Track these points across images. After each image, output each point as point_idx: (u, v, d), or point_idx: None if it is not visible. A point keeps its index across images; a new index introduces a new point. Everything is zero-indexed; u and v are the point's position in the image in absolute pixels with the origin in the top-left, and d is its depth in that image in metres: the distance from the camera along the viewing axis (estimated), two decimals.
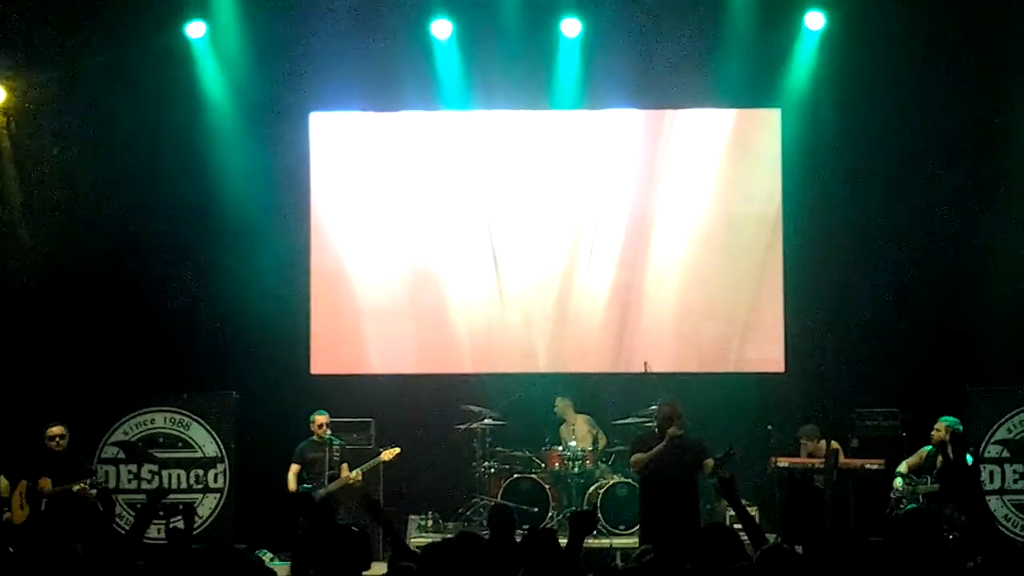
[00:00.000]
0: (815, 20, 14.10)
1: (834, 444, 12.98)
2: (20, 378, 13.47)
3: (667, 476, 11.13)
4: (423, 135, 14.73)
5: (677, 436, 11.11)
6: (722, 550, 6.80)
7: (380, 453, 13.03)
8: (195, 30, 14.22)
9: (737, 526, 11.88)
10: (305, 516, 11.94)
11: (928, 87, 14.00)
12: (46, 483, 11.82)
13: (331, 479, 12.68)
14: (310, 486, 12.71)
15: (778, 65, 14.37)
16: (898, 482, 11.99)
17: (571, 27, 14.23)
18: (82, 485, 11.90)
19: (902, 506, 11.87)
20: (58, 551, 6.53)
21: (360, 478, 12.77)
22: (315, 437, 12.82)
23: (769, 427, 13.52)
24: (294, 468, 12.80)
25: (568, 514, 12.86)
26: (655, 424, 13.07)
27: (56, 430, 11.99)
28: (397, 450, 12.91)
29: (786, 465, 12.97)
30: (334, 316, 14.57)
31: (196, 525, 13.29)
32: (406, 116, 14.75)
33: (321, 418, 12.86)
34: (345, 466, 12.76)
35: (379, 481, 13.30)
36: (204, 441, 13.63)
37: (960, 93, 13.97)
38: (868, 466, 12.81)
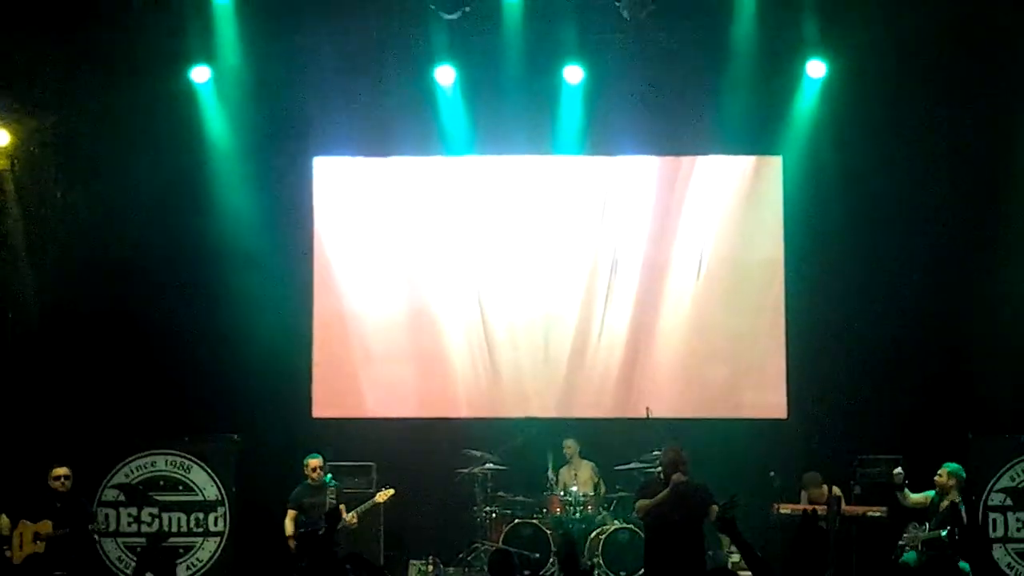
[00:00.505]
0: (816, 68, 14.19)
1: (836, 490, 12.97)
2: (23, 419, 13.44)
3: (672, 522, 11.09)
4: (426, 180, 14.79)
5: (682, 482, 11.07)
6: None
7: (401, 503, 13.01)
8: (200, 74, 14.27)
9: (743, 573, 11.97)
10: (309, 556, 11.86)
11: (928, 133, 14.10)
12: (46, 526, 11.76)
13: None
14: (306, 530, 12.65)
15: (779, 112, 14.46)
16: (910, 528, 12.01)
17: (573, 74, 14.30)
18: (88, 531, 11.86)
19: (905, 552, 11.86)
20: None
21: (355, 521, 12.73)
22: (310, 481, 12.78)
23: (771, 473, 13.44)
24: (291, 514, 12.76)
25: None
26: (658, 470, 13.08)
27: (61, 471, 11.96)
28: (391, 491, 12.88)
29: (788, 512, 12.92)
30: (336, 359, 14.57)
31: (197, 569, 13.30)
32: (409, 161, 14.82)
33: (314, 462, 12.83)
34: (343, 507, 12.70)
35: (380, 525, 13.26)
36: (205, 484, 13.57)
37: (960, 139, 14.07)
38: (870, 513, 12.76)
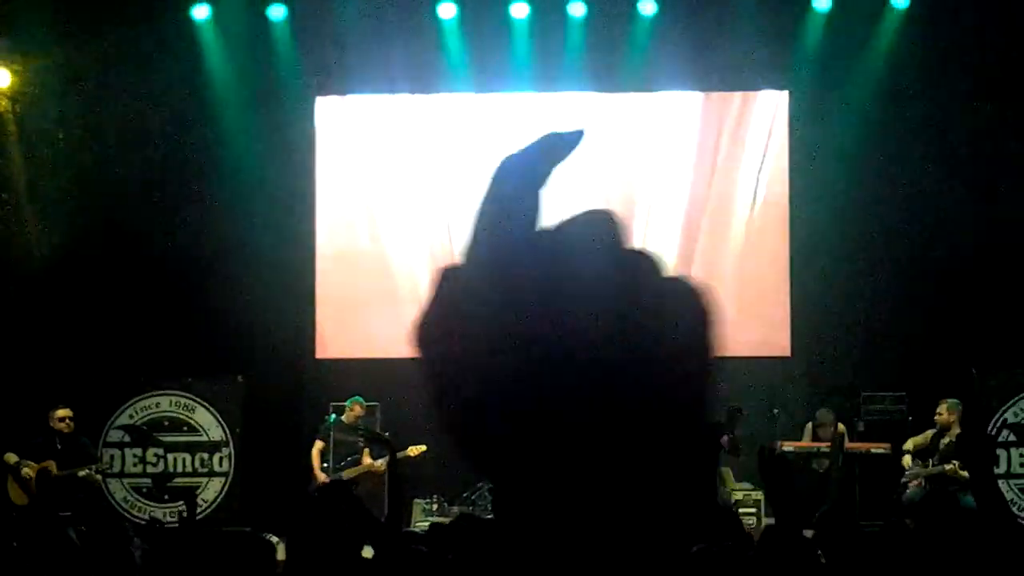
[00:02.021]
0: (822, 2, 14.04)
1: (840, 427, 13.00)
2: (26, 361, 13.45)
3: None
4: (431, 118, 14.72)
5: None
6: (724, 532, 6.77)
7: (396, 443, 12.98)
8: (200, 12, 14.17)
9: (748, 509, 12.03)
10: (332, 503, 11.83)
11: (941, 71, 13.91)
12: (51, 466, 11.82)
13: (352, 463, 12.61)
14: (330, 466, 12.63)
15: (785, 46, 14.30)
16: (907, 460, 11.97)
17: (577, 9, 14.17)
18: (87, 470, 11.90)
19: (908, 489, 11.86)
20: (54, 536, 6.52)
21: (383, 468, 12.73)
22: (345, 419, 12.76)
23: (775, 411, 13.51)
24: (318, 445, 12.76)
25: None
26: None
27: (63, 412, 11.98)
28: (423, 448, 12.78)
29: (792, 449, 12.95)
30: (340, 299, 14.56)
31: (201, 508, 13.35)
32: (412, 99, 14.72)
33: (358, 407, 12.80)
34: (367, 451, 12.71)
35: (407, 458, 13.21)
36: (209, 425, 13.62)
37: (968, 76, 13.88)
38: (874, 450, 12.81)
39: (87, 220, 13.87)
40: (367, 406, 13.42)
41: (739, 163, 14.57)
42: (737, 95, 14.63)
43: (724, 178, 14.55)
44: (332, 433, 12.75)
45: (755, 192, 14.56)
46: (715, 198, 14.54)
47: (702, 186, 14.54)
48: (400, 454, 12.27)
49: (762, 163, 14.58)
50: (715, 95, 14.62)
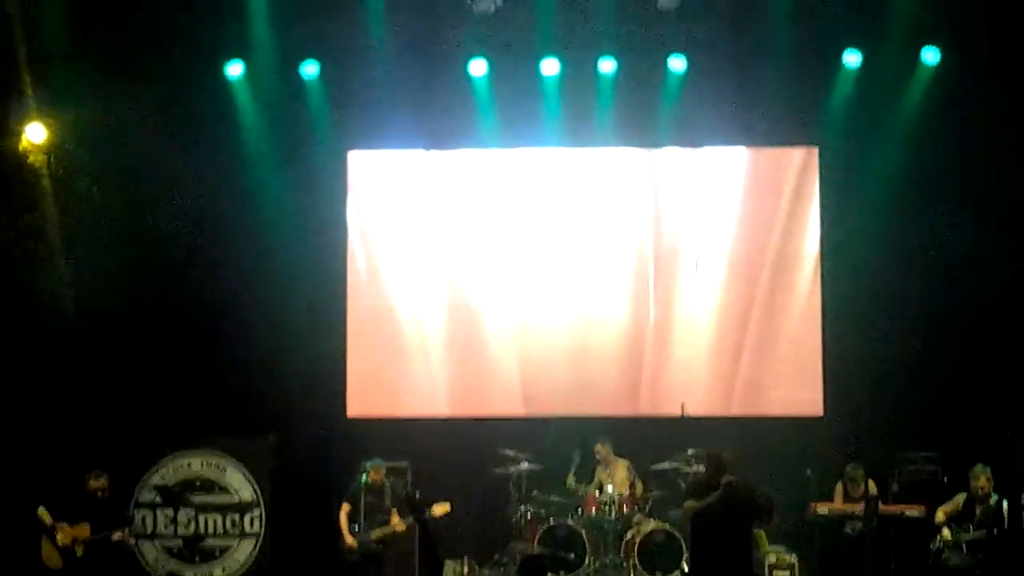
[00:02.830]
0: (852, 59, 14.01)
1: (872, 485, 12.91)
2: (59, 418, 13.49)
3: (720, 524, 10.96)
4: (462, 174, 14.76)
5: (732, 483, 10.95)
6: None
7: (423, 502, 13.01)
8: (234, 69, 14.24)
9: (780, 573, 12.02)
10: None
11: (970, 127, 13.85)
12: (84, 530, 11.84)
13: (380, 523, 12.61)
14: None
15: (815, 103, 14.28)
16: (946, 532, 11.86)
17: (608, 65, 14.18)
18: (121, 533, 11.92)
19: (944, 556, 11.76)
20: None
21: (405, 529, 12.71)
22: (370, 481, 12.77)
23: (808, 472, 13.42)
24: (345, 507, 12.72)
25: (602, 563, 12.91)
26: (693, 469, 13.05)
27: (99, 483, 11.99)
28: (447, 507, 12.74)
29: (826, 512, 12.88)
30: (371, 358, 14.57)
31: (234, 570, 13.37)
32: (444, 155, 14.77)
33: (379, 470, 12.79)
34: (395, 511, 12.69)
35: (416, 524, 13.20)
36: (240, 485, 13.61)
37: (997, 132, 13.82)
38: (909, 513, 12.70)
39: (121, 276, 13.87)
40: (399, 467, 13.39)
41: (770, 219, 14.54)
42: (767, 151, 14.59)
43: (755, 234, 14.52)
44: (361, 495, 12.72)
45: (786, 248, 14.51)
46: (747, 254, 14.51)
47: (733, 242, 14.51)
48: (422, 514, 12.32)
49: (793, 219, 14.53)
50: (746, 150, 14.59)
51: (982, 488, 11.92)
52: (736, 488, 11.01)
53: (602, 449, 13.77)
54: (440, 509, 12.71)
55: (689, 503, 11.33)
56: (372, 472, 12.74)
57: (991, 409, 13.53)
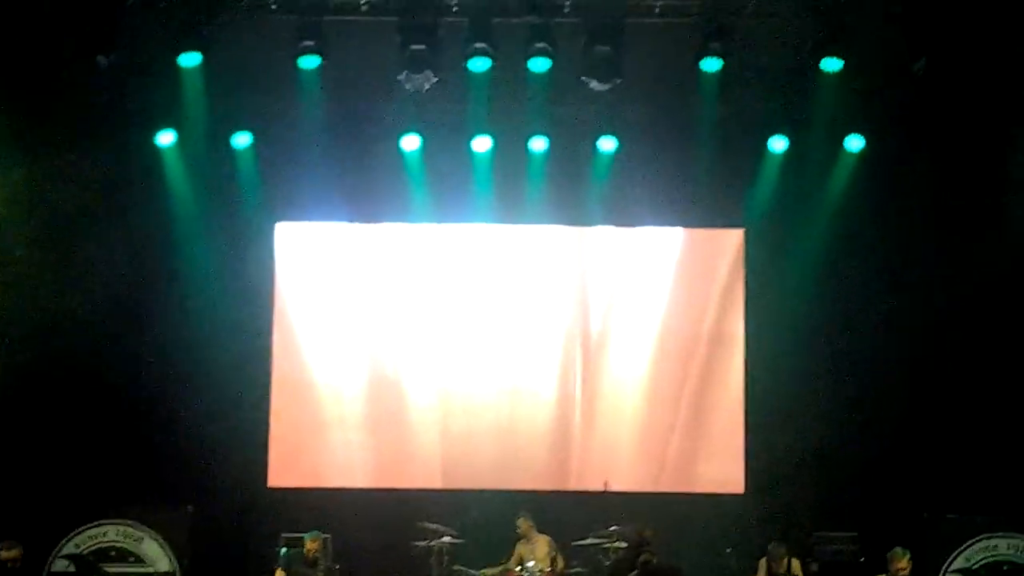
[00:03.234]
0: (778, 143, 14.25)
1: (796, 565, 12.94)
2: None
3: None
4: (389, 247, 14.80)
5: (648, 562, 10.78)
6: None
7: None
8: (165, 138, 14.23)
9: None
10: None
11: (894, 210, 14.12)
12: None
13: None
14: None
15: (742, 186, 14.49)
16: None
17: (539, 144, 14.33)
18: None
19: None
20: None
21: None
22: (307, 552, 12.65)
23: (728, 550, 13.46)
24: (280, 573, 12.60)
25: None
26: (615, 545, 13.05)
27: (10, 553, 11.72)
28: None
29: None
30: (293, 428, 14.49)
31: None
32: (372, 228, 14.82)
33: (312, 543, 12.70)
34: None
35: None
36: (157, 556, 13.40)
37: (924, 215, 14.08)
38: None
39: (41, 339, 13.72)
40: (322, 538, 13.28)
41: (694, 299, 14.68)
42: (697, 232, 14.77)
43: (678, 313, 14.65)
44: (292, 566, 12.57)
45: (709, 328, 14.64)
46: (669, 332, 14.62)
47: (664, 321, 14.62)
48: None
49: (717, 299, 14.68)
50: (671, 230, 14.75)
51: (902, 570, 11.91)
52: (653, 567, 10.95)
53: (523, 524, 13.72)
54: None
55: None
56: (309, 542, 12.65)
57: (910, 491, 13.66)
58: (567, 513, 14.04)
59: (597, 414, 14.53)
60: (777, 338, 14.34)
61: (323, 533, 13.29)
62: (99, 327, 14.00)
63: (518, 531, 13.72)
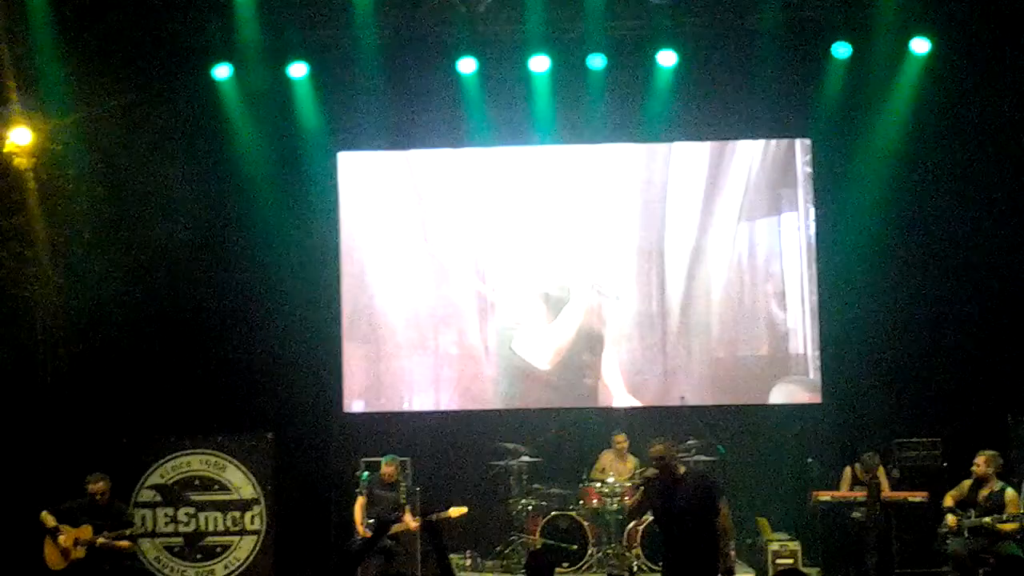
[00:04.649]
0: (843, 50, 14.06)
1: (881, 472, 12.91)
2: (56, 420, 13.33)
3: (676, 516, 9.73)
4: (452, 171, 14.72)
5: (647, 478, 9.89)
6: None
7: (416, 500, 12.92)
8: (221, 71, 14.16)
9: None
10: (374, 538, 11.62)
11: (963, 114, 13.92)
12: (87, 531, 11.67)
13: (395, 520, 12.50)
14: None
15: (808, 95, 14.32)
16: (950, 518, 11.79)
17: (597, 61, 14.18)
18: (126, 539, 11.78)
19: (948, 542, 11.74)
20: None
21: (417, 527, 12.60)
22: (384, 476, 12.71)
23: (809, 460, 13.44)
24: (360, 500, 12.66)
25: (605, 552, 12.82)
26: (692, 459, 13.06)
27: (98, 487, 11.80)
28: (464, 509, 12.60)
29: (827, 499, 12.87)
30: (367, 354, 14.51)
31: (234, 567, 13.22)
32: (434, 153, 14.73)
33: (389, 467, 12.72)
34: (408, 509, 12.59)
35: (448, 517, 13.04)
36: (240, 483, 13.48)
37: (991, 119, 13.90)
38: (912, 499, 12.69)
39: (112, 278, 13.73)
40: (399, 461, 13.31)
41: (762, 211, 14.56)
42: (758, 143, 14.64)
43: (750, 224, 14.54)
44: (373, 489, 12.62)
45: (781, 238, 14.54)
46: (740, 245, 14.52)
47: (728, 235, 14.52)
48: (441, 515, 12.22)
49: (787, 209, 14.57)
50: (736, 143, 14.62)
51: (982, 474, 11.84)
52: (658, 482, 9.74)
53: (623, 439, 13.64)
54: (457, 512, 12.59)
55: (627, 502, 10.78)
56: (386, 466, 12.68)
57: (991, 394, 13.55)
58: (643, 428, 14.00)
59: (673, 330, 14.47)
60: (850, 247, 14.19)
61: (401, 456, 13.37)
62: (168, 264, 14.03)
63: (616, 446, 13.68)
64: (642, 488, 9.95)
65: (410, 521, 12.56)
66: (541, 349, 14.50)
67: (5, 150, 13.35)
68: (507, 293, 14.56)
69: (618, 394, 14.43)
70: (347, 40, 14.08)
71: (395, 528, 12.39)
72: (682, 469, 9.95)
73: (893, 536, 12.91)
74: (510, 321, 14.53)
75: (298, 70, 14.28)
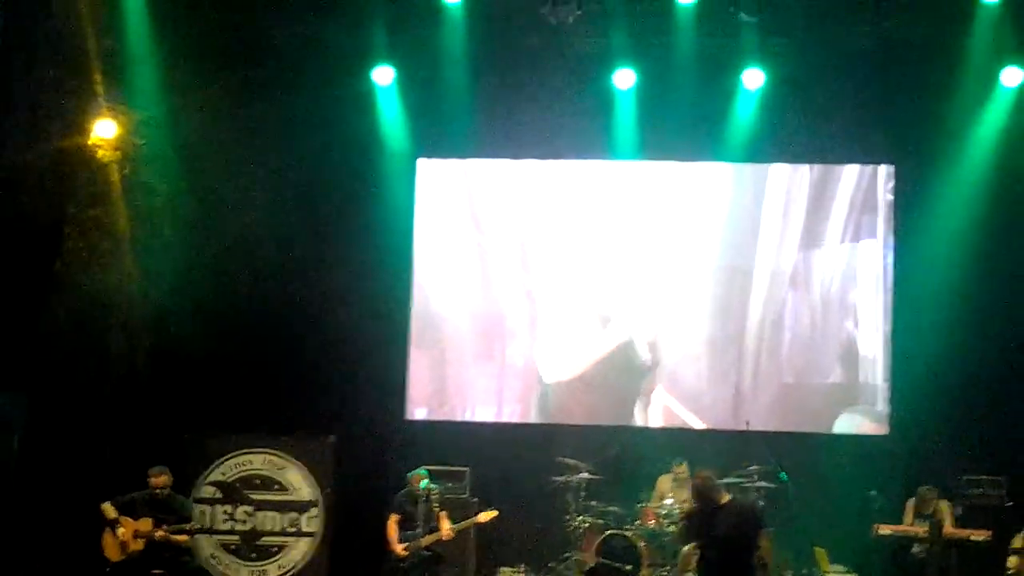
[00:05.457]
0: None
1: (943, 506, 12.70)
2: (125, 413, 13.55)
3: (714, 544, 9.83)
4: (528, 183, 14.72)
5: (686, 514, 10.21)
6: None
7: (476, 508, 12.93)
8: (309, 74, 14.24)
9: None
10: None
11: None
12: (147, 524, 11.86)
13: (430, 530, 12.57)
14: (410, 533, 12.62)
15: (893, 120, 14.11)
16: (1012, 560, 11.58)
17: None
18: (185, 534, 11.96)
19: None
20: None
21: (452, 535, 12.63)
22: (413, 489, 12.74)
23: (872, 492, 13.24)
24: (394, 518, 12.68)
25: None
26: (755, 484, 12.95)
27: (160, 480, 12.00)
28: (495, 513, 12.67)
29: (889, 532, 12.68)
30: (432, 362, 14.55)
31: (288, 569, 13.35)
32: (511, 164, 14.74)
33: (417, 479, 12.71)
34: (444, 514, 12.63)
35: (471, 530, 13.11)
36: (299, 484, 13.60)
37: None
38: (974, 537, 12.46)
39: (187, 274, 13.91)
40: (459, 471, 13.31)
41: (845, 235, 14.36)
42: (840, 168, 14.45)
43: (829, 250, 14.35)
44: (404, 507, 12.67)
45: (858, 264, 14.34)
46: (818, 271, 14.34)
47: (807, 259, 14.35)
48: (465, 523, 12.24)
49: (866, 236, 14.36)
50: (819, 167, 14.44)
51: None
52: (697, 516, 10.00)
53: (684, 469, 13.49)
54: (486, 516, 12.63)
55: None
56: (413, 480, 12.69)
57: None
58: (707, 452, 13.88)
59: (741, 354, 14.34)
60: (926, 279, 13.94)
61: (461, 467, 13.39)
62: (243, 265, 14.15)
63: (674, 473, 13.56)
64: (684, 523, 9.90)
65: (446, 530, 12.55)
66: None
67: (90, 142, 13.61)
68: (563, 307, 14.50)
69: (683, 416, 14.32)
70: (434, 47, 14.07)
71: (428, 539, 12.43)
72: (725, 498, 9.93)
73: (953, 574, 12.67)
74: (577, 336, 14.48)
75: (384, 75, 14.30)
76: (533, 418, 14.42)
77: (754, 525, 9.63)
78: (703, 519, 9.73)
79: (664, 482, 13.68)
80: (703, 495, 9.78)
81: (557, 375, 14.47)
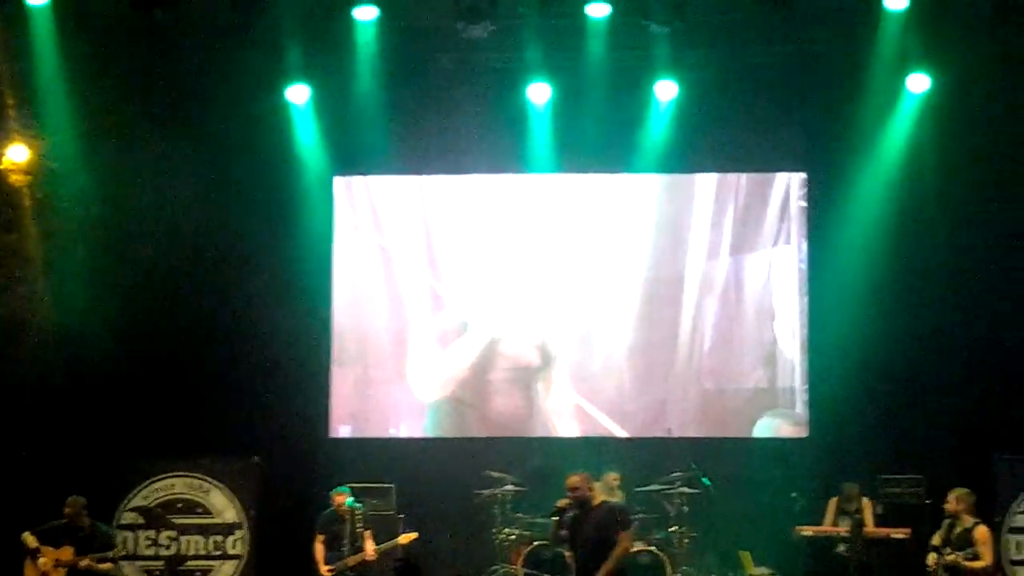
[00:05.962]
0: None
1: (866, 502, 12.91)
2: (41, 439, 13.38)
3: (582, 544, 10.42)
4: (443, 198, 14.75)
5: (557, 508, 10.53)
6: None
7: (403, 525, 12.95)
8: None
9: None
10: None
11: (960, 152, 13.88)
12: (67, 552, 11.73)
13: (354, 550, 12.54)
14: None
15: (803, 129, 14.36)
16: (930, 557, 11.80)
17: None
18: (108, 562, 11.83)
19: None
20: None
21: (375, 556, 12.63)
22: (337, 508, 12.70)
23: (793, 495, 13.42)
24: (320, 539, 12.68)
25: None
26: (677, 491, 13.07)
27: (75, 509, 11.86)
28: (415, 535, 12.75)
29: (810, 534, 12.86)
30: (355, 379, 14.52)
31: None
32: (426, 179, 14.76)
33: (340, 497, 12.72)
34: (369, 534, 12.61)
35: (397, 548, 13.09)
36: (223, 506, 13.51)
37: (986, 159, 13.86)
38: (894, 535, 12.67)
39: (103, 298, 13.79)
40: (383, 488, 13.30)
41: (759, 243, 14.55)
42: (754, 176, 14.64)
43: (743, 258, 14.53)
44: (328, 527, 12.67)
45: (770, 270, 14.54)
46: (733, 278, 14.52)
47: (721, 267, 14.51)
48: (387, 544, 12.26)
49: (780, 242, 14.56)
50: (731, 176, 14.62)
51: (952, 511, 11.84)
52: (563, 513, 10.51)
53: (616, 478, 13.54)
54: (406, 538, 12.67)
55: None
56: (335, 499, 12.68)
57: (977, 432, 13.51)
58: (630, 460, 13.99)
59: (660, 361, 14.46)
60: (840, 283, 14.15)
61: (386, 483, 13.38)
62: (159, 286, 14.08)
63: (606, 481, 13.58)
64: (557, 519, 10.45)
65: (369, 551, 12.55)
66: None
67: (1, 167, 13.46)
68: (497, 321, 14.56)
69: (605, 424, 14.41)
70: (349, 64, 14.06)
71: (353, 559, 12.42)
72: (597, 500, 10.51)
73: (875, 572, 12.86)
74: (504, 347, 14.53)
75: (299, 93, 14.27)
76: (478, 432, 14.43)
77: (615, 525, 10.15)
78: (574, 518, 10.28)
79: (595, 491, 13.69)
80: (576, 496, 10.31)
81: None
